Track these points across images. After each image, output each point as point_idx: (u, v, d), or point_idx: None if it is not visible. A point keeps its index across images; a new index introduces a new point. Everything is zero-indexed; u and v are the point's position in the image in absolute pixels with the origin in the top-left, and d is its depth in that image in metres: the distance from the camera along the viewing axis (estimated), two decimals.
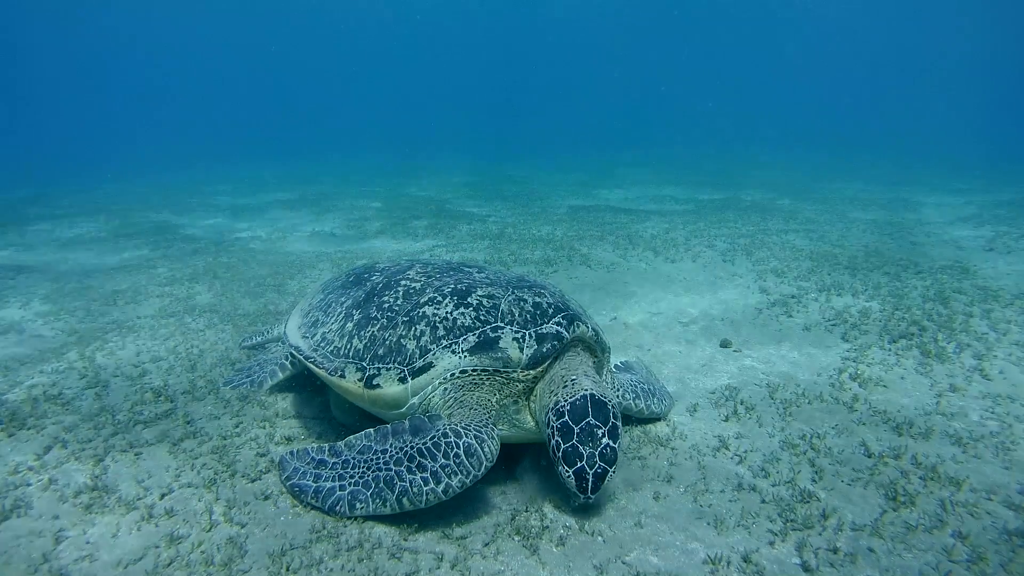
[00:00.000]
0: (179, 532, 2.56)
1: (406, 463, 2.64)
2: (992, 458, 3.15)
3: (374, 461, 2.73)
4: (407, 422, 2.85)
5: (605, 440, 2.56)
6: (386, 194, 16.15)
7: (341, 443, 2.90)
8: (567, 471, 2.53)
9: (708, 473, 3.05)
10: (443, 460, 2.59)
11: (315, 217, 12.51)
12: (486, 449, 2.64)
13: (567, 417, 2.61)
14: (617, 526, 2.63)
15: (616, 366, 4.03)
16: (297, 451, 2.99)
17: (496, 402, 2.92)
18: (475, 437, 2.66)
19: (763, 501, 2.80)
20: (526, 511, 2.73)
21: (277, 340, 4.73)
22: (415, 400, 2.97)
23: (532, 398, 2.96)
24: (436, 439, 2.68)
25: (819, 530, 2.58)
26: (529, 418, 2.96)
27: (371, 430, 2.89)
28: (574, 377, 2.82)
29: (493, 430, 2.75)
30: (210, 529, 2.59)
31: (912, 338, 4.89)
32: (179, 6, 55.05)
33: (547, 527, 2.61)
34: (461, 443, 2.63)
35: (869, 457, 3.19)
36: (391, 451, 2.74)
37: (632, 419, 3.58)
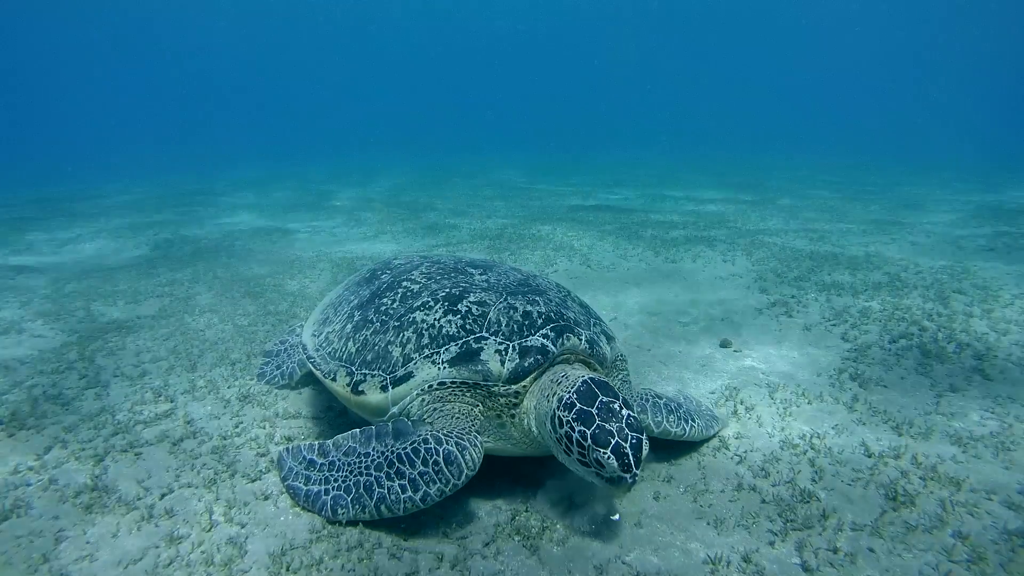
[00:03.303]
0: (179, 532, 2.56)
1: (386, 469, 2.59)
2: (992, 458, 3.15)
3: (356, 465, 2.70)
4: (390, 425, 2.81)
5: (624, 412, 2.42)
6: (386, 194, 16.16)
7: (329, 442, 2.89)
8: (605, 453, 2.30)
9: (708, 473, 3.05)
10: (421, 467, 2.53)
11: (315, 217, 12.51)
12: (467, 457, 2.54)
13: (579, 404, 2.45)
14: (617, 526, 2.63)
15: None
16: (292, 448, 2.99)
17: (480, 412, 2.81)
18: (456, 444, 2.57)
19: (763, 501, 2.80)
20: (526, 511, 2.73)
21: None
22: (395, 410, 2.92)
23: (522, 412, 2.79)
24: (416, 445, 2.61)
25: (819, 530, 2.58)
26: (515, 432, 2.84)
27: (356, 430, 2.87)
28: (563, 373, 2.71)
29: (476, 438, 2.65)
30: (210, 529, 2.59)
31: (912, 338, 4.89)
32: (184, 8, 55.09)
33: (547, 527, 2.61)
34: (441, 450, 2.55)
35: (869, 457, 3.18)
36: (373, 455, 2.69)
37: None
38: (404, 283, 3.43)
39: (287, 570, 2.33)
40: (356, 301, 3.59)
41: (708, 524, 2.64)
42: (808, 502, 2.78)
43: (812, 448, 3.28)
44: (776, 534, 2.56)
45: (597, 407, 2.43)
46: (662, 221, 10.95)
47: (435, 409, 2.81)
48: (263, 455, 3.21)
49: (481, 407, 2.82)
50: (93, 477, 2.98)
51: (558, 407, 2.52)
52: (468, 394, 2.82)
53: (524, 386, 2.79)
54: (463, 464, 2.52)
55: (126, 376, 4.34)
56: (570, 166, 24.60)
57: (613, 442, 2.31)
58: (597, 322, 3.26)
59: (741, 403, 3.85)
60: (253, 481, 2.96)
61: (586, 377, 2.59)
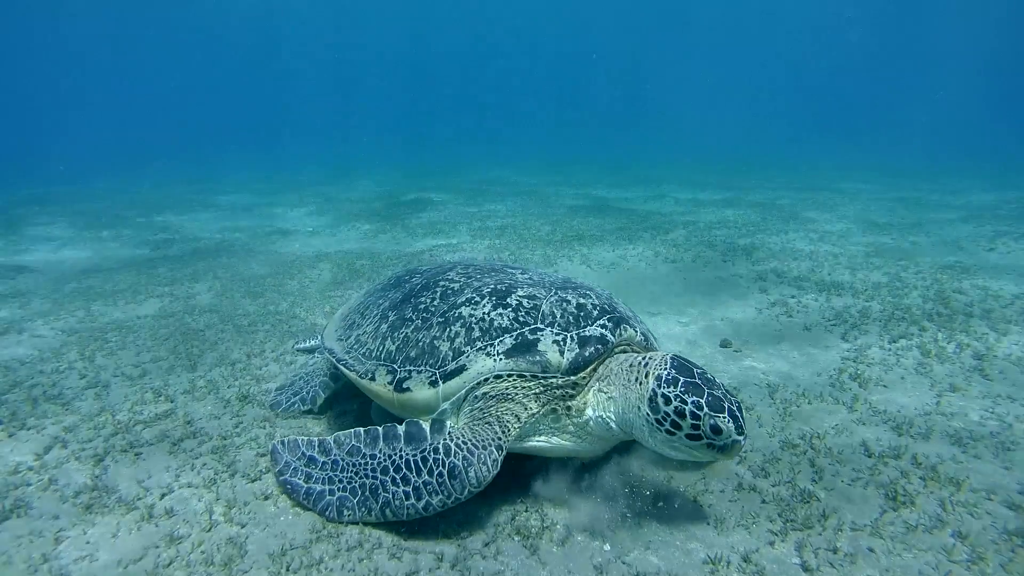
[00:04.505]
0: (179, 532, 2.56)
1: (392, 473, 2.59)
2: (992, 458, 3.15)
3: (362, 466, 2.68)
4: (402, 428, 2.75)
5: (718, 380, 2.49)
6: (385, 194, 16.16)
7: (330, 439, 2.86)
8: (723, 417, 2.32)
9: (708, 473, 3.05)
10: (426, 477, 2.52)
11: (315, 217, 12.52)
12: (471, 474, 2.48)
13: (683, 377, 2.45)
14: (617, 526, 2.63)
15: None
16: (288, 441, 2.96)
17: (526, 417, 2.72)
18: (463, 459, 2.51)
19: (763, 501, 2.80)
20: (526, 511, 2.73)
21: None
22: (446, 406, 2.82)
23: (580, 404, 2.75)
24: (425, 453, 2.58)
25: (819, 530, 2.58)
26: (571, 426, 2.78)
27: (360, 429, 2.83)
28: (641, 360, 2.66)
29: (491, 453, 2.55)
30: (210, 529, 2.59)
31: (912, 338, 4.88)
32: (178, 6, 55.07)
33: (547, 527, 2.61)
34: (447, 463, 2.51)
35: (869, 457, 3.18)
36: (380, 457, 2.68)
37: None
38: (442, 283, 3.36)
39: (287, 570, 2.33)
40: (387, 304, 3.52)
41: (708, 524, 2.64)
42: (808, 502, 2.78)
43: (812, 448, 3.29)
44: (776, 534, 2.56)
45: (698, 378, 2.46)
46: (662, 221, 10.95)
47: (481, 409, 2.73)
48: (263, 455, 3.21)
49: (535, 404, 2.75)
50: (93, 477, 2.98)
51: (658, 386, 2.47)
52: (521, 390, 2.73)
53: (583, 377, 2.77)
54: (466, 481, 2.49)
55: (126, 376, 4.35)
56: (572, 167, 24.59)
57: (727, 406, 2.36)
58: (641, 321, 3.29)
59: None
60: (253, 481, 2.96)
61: (671, 354, 2.63)
